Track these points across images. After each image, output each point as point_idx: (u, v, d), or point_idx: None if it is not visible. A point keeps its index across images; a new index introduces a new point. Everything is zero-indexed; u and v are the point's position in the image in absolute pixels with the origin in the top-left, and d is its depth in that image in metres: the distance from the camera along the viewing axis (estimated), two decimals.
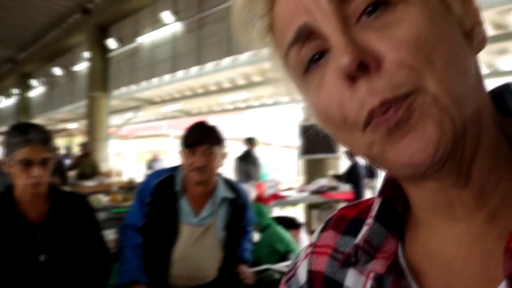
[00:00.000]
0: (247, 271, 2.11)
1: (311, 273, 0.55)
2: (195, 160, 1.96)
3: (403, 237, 0.47)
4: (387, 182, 0.50)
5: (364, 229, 0.48)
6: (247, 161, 7.41)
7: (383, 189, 0.50)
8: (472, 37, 0.38)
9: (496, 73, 11.18)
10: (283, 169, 20.67)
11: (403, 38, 0.35)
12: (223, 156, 2.07)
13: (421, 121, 0.35)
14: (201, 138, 1.98)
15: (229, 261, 2.06)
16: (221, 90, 15.50)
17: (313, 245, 0.57)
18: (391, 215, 0.48)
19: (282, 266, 2.24)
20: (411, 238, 0.46)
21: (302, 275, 0.56)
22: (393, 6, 0.35)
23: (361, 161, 7.68)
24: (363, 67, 0.35)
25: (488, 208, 0.38)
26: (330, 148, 7.53)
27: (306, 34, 0.39)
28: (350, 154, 7.60)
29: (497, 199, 0.38)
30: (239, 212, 2.13)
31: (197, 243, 1.98)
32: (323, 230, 0.58)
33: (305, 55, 0.40)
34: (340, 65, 0.35)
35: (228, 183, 2.18)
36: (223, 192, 2.10)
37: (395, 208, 0.48)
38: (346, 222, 0.55)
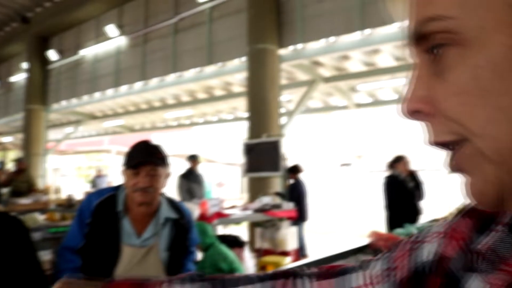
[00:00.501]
0: None
1: (440, 256, 0.52)
2: (139, 181, 1.92)
3: None
4: None
5: (491, 235, 0.45)
6: (190, 179, 7.34)
7: None
8: None
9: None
10: (227, 187, 20.63)
11: (455, 87, 0.37)
12: (167, 176, 2.04)
13: (470, 170, 0.38)
14: (146, 159, 1.94)
15: None
16: (165, 106, 15.34)
17: (449, 226, 0.53)
18: None
19: None
20: None
21: (427, 252, 0.54)
22: (450, 50, 0.37)
23: (304, 179, 7.84)
24: (417, 113, 0.40)
25: None
26: (274, 166, 7.62)
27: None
28: (293, 172, 7.70)
29: None
30: (182, 232, 2.10)
31: (139, 265, 1.94)
32: (462, 215, 0.53)
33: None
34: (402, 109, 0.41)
35: (171, 202, 2.15)
36: (166, 212, 2.07)
37: None
38: (484, 217, 0.49)
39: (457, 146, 0.38)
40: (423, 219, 5.55)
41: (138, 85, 12.97)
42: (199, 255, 4.90)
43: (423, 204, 6.07)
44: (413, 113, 0.40)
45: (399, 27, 7.93)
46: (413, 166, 6.15)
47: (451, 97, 0.37)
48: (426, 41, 0.38)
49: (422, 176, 6.26)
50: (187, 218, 2.16)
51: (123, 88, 13.42)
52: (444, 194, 14.22)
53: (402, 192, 5.90)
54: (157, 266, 1.99)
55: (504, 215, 0.46)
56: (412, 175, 6.08)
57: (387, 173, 6.19)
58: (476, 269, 0.45)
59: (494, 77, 0.35)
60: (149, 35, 12.40)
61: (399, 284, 0.57)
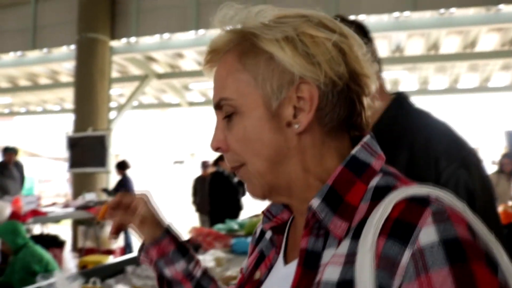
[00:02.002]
0: None
1: (261, 231, 0.84)
2: None
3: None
4: None
5: (270, 203, 0.75)
6: (3, 174, 6.66)
7: None
8: (291, 125, 0.63)
9: None
10: (52, 183, 19.22)
11: (234, 137, 0.65)
12: None
13: (247, 180, 0.68)
14: None
15: None
16: None
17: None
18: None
19: None
20: (296, 215, 0.73)
21: (257, 232, 0.85)
22: (233, 115, 0.65)
23: (131, 175, 7.70)
24: (219, 149, 0.68)
25: (302, 212, 0.65)
26: (100, 161, 7.34)
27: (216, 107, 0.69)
28: (120, 168, 7.50)
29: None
30: None
31: None
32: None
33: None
34: (210, 145, 0.69)
35: None
36: None
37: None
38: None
39: (240, 168, 0.67)
40: (244, 215, 5.86)
41: None
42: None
43: (245, 200, 6.41)
44: (217, 149, 0.68)
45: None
46: None
47: (234, 141, 0.65)
48: (221, 109, 0.66)
49: None
50: None
51: None
52: None
53: (226, 187, 6.16)
54: None
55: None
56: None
57: (212, 170, 6.40)
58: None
59: (253, 132, 0.63)
60: None
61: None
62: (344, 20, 1.01)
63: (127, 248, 7.18)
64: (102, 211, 0.92)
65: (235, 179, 6.28)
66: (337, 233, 0.59)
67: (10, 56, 10.34)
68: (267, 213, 0.75)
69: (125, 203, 0.91)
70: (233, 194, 6.12)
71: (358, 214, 0.59)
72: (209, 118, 16.39)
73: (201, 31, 8.28)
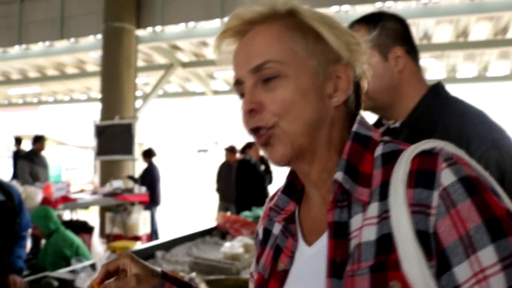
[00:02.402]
0: (19, 281, 1.96)
1: (264, 230, 0.87)
2: None
3: (301, 202, 0.80)
4: (291, 171, 0.81)
5: (275, 198, 0.81)
6: (34, 161, 6.81)
7: (288, 176, 0.82)
8: (332, 98, 0.71)
9: None
10: (80, 171, 19.56)
11: (278, 97, 0.68)
12: None
13: (276, 142, 0.70)
14: None
15: None
16: (8, 81, 13.99)
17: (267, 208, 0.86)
18: (292, 190, 0.81)
19: (61, 272, 2.12)
20: (304, 202, 0.79)
21: (260, 233, 0.89)
22: (276, 78, 0.68)
23: (157, 163, 7.78)
24: (253, 111, 0.70)
25: (327, 185, 0.72)
26: (126, 149, 7.43)
27: (238, 82, 0.73)
28: (146, 156, 7.59)
29: (329, 180, 0.70)
30: (10, 215, 1.97)
31: None
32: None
33: (238, 90, 0.74)
34: (244, 108, 0.70)
35: None
36: None
37: (296, 186, 0.81)
38: (276, 194, 0.84)
39: (269, 129, 0.69)
40: None
41: None
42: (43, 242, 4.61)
43: (271, 188, 6.42)
44: (251, 110, 0.69)
45: None
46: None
47: (274, 102, 0.68)
48: (260, 72, 0.69)
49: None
50: (16, 201, 2.03)
51: None
52: None
53: (253, 175, 6.18)
54: None
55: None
56: (263, 160, 6.40)
57: (239, 158, 6.42)
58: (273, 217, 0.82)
59: (299, 96, 0.68)
60: None
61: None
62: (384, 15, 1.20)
63: (153, 235, 7.29)
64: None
65: (262, 167, 6.29)
66: (363, 198, 0.65)
67: (39, 46, 10.50)
68: (274, 208, 0.80)
69: (112, 271, 0.83)
70: (259, 182, 6.13)
71: (375, 180, 0.66)
72: (234, 106, 16.43)
73: (226, 19, 8.26)
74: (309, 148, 0.70)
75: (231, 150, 7.89)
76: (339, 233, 0.65)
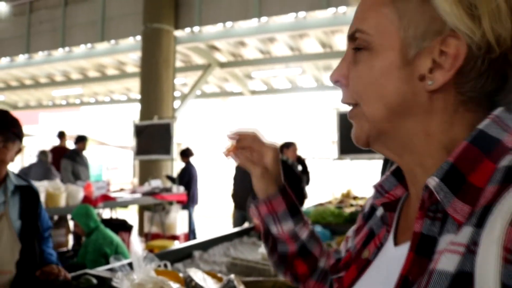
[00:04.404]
0: (60, 269, 1.98)
1: (371, 207, 0.80)
2: None
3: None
4: None
5: (383, 177, 0.71)
6: (76, 161, 6.97)
7: None
8: (424, 80, 0.57)
9: (321, 87, 12.32)
10: (119, 170, 19.97)
11: (358, 73, 0.61)
12: (19, 151, 1.97)
13: (356, 122, 0.64)
14: None
15: (28, 256, 1.91)
16: (52, 83, 14.41)
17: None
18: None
19: (100, 270, 2.13)
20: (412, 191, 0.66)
21: (366, 208, 0.81)
22: (363, 50, 0.60)
23: (194, 163, 7.82)
24: (337, 82, 0.65)
25: (420, 183, 0.59)
26: (165, 149, 7.49)
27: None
28: (184, 155, 7.64)
29: (423, 179, 0.56)
30: (33, 200, 2.02)
31: None
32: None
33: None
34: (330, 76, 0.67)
35: (18, 175, 2.06)
36: (15, 180, 2.00)
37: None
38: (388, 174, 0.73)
39: (354, 106, 0.63)
40: (308, 203, 5.80)
41: (21, 58, 12.01)
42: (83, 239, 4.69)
43: (309, 189, 6.34)
44: (336, 82, 0.65)
45: (295, 17, 8.18)
46: (301, 153, 6.40)
47: (356, 78, 0.61)
48: (354, 41, 0.62)
49: (309, 163, 6.55)
50: (36, 193, 2.09)
51: (4, 61, 12.34)
52: (328, 180, 15.03)
53: (289, 176, 6.11)
54: (11, 236, 1.90)
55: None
56: (300, 161, 6.33)
57: None
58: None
59: (379, 74, 0.58)
60: (35, 4, 11.47)
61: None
62: None
63: (191, 234, 7.32)
64: (229, 148, 0.93)
65: (299, 168, 6.22)
66: (457, 217, 0.51)
67: (81, 48, 10.78)
68: (379, 188, 0.71)
69: (252, 147, 0.92)
70: (297, 183, 6.06)
71: (484, 198, 0.49)
72: (271, 106, 16.40)
73: (264, 19, 8.24)
74: (393, 135, 0.61)
75: None
76: (422, 248, 0.54)
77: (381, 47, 0.58)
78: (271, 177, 0.91)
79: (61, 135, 8.11)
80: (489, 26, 0.52)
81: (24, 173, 6.73)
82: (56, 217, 6.22)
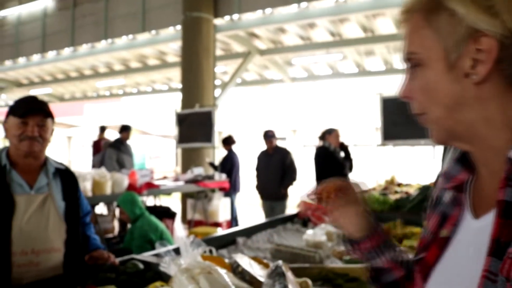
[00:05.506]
0: (109, 254, 2.01)
1: (436, 197, 0.87)
2: (27, 130, 1.88)
3: (474, 173, 0.78)
4: None
5: (448, 166, 0.82)
6: (120, 150, 7.11)
7: None
8: (469, 76, 0.67)
9: (363, 73, 12.07)
10: (162, 159, 20.32)
11: (417, 87, 0.74)
12: (52, 131, 2.01)
13: (429, 127, 0.75)
14: (35, 109, 1.90)
15: (73, 236, 1.96)
16: (96, 75, 14.76)
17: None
18: (467, 160, 0.78)
19: (147, 255, 2.15)
20: (477, 173, 0.77)
21: (433, 200, 0.89)
22: (417, 67, 0.73)
23: (236, 150, 7.83)
24: (406, 97, 0.77)
25: (495, 163, 0.69)
26: (207, 137, 7.54)
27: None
28: (226, 143, 7.66)
29: (496, 159, 0.69)
30: (72, 182, 2.06)
31: (36, 214, 1.88)
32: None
33: None
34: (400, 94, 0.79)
35: (55, 160, 2.11)
36: (54, 164, 2.05)
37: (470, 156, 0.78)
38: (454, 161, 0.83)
39: (422, 116, 0.75)
40: None
41: (66, 51, 12.34)
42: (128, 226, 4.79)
43: (351, 175, 6.23)
44: (404, 97, 0.77)
45: (335, 2, 8.01)
46: (344, 139, 6.29)
47: (417, 91, 0.74)
48: (409, 61, 0.75)
49: (352, 150, 6.43)
50: (75, 177, 2.13)
51: (51, 54, 12.72)
52: (372, 167, 14.79)
53: (332, 162, 6.02)
54: (56, 215, 1.95)
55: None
56: (343, 147, 6.22)
57: (318, 144, 6.28)
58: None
59: (433, 83, 0.71)
60: None
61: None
62: None
63: (233, 221, 7.37)
64: (325, 194, 0.97)
65: (342, 154, 6.11)
66: None
67: (123, 39, 10.96)
68: (446, 175, 0.81)
69: (339, 188, 0.99)
70: (338, 169, 5.96)
71: None
72: (312, 93, 16.23)
73: (303, 4, 8.11)
74: (458, 130, 0.71)
75: (268, 136, 6.56)
76: (508, 213, 0.62)
77: (429, 60, 0.71)
78: (363, 215, 0.98)
79: (102, 129, 8.57)
80: (509, 17, 0.63)
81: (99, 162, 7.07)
82: (102, 205, 6.38)
